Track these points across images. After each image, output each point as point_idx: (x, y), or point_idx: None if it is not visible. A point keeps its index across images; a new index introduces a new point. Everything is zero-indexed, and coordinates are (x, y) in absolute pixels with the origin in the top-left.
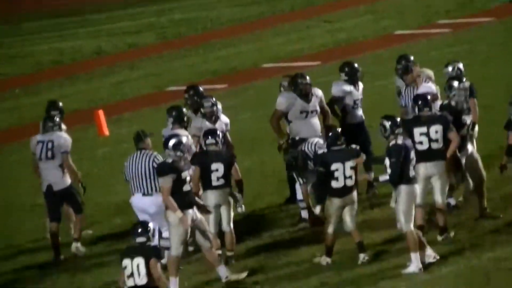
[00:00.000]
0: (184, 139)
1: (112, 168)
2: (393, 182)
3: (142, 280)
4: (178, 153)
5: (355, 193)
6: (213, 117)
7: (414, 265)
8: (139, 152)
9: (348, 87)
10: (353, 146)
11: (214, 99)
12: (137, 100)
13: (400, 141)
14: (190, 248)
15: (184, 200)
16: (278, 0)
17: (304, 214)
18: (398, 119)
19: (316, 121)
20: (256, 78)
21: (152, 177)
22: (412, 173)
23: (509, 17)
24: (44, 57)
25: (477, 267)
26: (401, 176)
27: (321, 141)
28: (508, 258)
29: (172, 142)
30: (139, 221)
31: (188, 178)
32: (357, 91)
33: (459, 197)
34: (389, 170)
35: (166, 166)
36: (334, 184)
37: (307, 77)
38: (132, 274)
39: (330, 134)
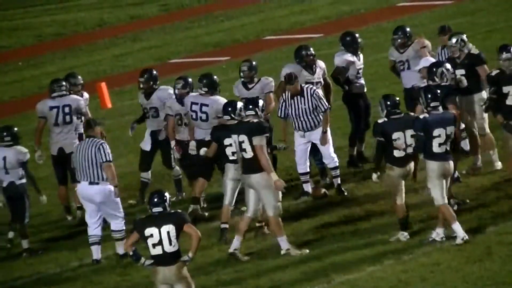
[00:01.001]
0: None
1: (114, 140)
2: (423, 155)
3: (174, 247)
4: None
5: (412, 163)
6: (183, 98)
7: (458, 236)
8: (87, 140)
9: (351, 57)
10: (411, 113)
11: (185, 80)
12: (140, 72)
13: (422, 116)
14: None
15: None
16: None
17: (306, 187)
18: (438, 91)
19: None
20: (259, 50)
21: (99, 166)
22: (436, 149)
23: None
24: (46, 29)
25: (479, 240)
26: (424, 150)
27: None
28: (510, 232)
29: (261, 103)
30: (155, 191)
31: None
32: (359, 61)
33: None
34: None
35: (265, 125)
36: (396, 153)
37: (311, 49)
38: (160, 242)
39: (389, 102)
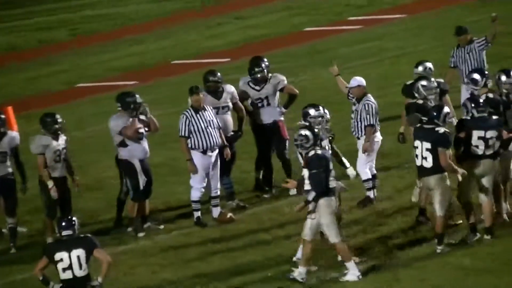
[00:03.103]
0: (313, 112)
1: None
2: (319, 195)
3: (85, 271)
4: (307, 123)
5: (434, 177)
6: (58, 134)
7: (351, 273)
8: None
9: (244, 84)
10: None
11: (58, 116)
12: (48, 96)
13: (319, 151)
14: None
15: None
16: None
17: (197, 215)
18: (316, 130)
19: (227, 118)
20: (167, 74)
21: None
22: (332, 184)
23: (421, 13)
24: None
25: (386, 265)
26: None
27: None
28: (417, 257)
29: (304, 111)
30: (62, 215)
31: (327, 147)
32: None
33: None
34: (307, 182)
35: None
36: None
37: (218, 74)
38: (70, 267)
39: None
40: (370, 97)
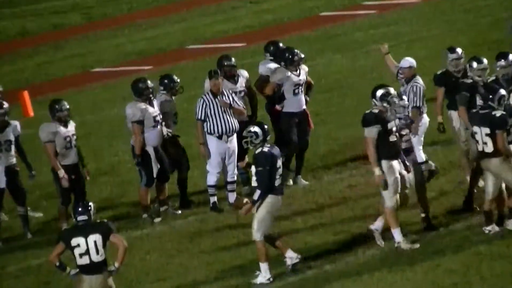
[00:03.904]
0: (392, 90)
1: (36, 149)
2: (265, 192)
3: (102, 256)
4: (385, 104)
5: (494, 161)
6: (66, 121)
7: (261, 276)
8: None
9: (274, 65)
10: (496, 113)
11: (65, 102)
12: (62, 81)
13: (266, 148)
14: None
15: (390, 151)
16: None
17: (213, 200)
18: (266, 126)
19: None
20: (182, 59)
21: None
22: (278, 182)
23: None
24: None
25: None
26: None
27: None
28: (432, 242)
29: (379, 92)
30: (77, 200)
31: (394, 129)
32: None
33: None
34: (254, 179)
35: (372, 116)
36: (479, 148)
37: (233, 59)
38: (87, 252)
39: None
40: (418, 78)
